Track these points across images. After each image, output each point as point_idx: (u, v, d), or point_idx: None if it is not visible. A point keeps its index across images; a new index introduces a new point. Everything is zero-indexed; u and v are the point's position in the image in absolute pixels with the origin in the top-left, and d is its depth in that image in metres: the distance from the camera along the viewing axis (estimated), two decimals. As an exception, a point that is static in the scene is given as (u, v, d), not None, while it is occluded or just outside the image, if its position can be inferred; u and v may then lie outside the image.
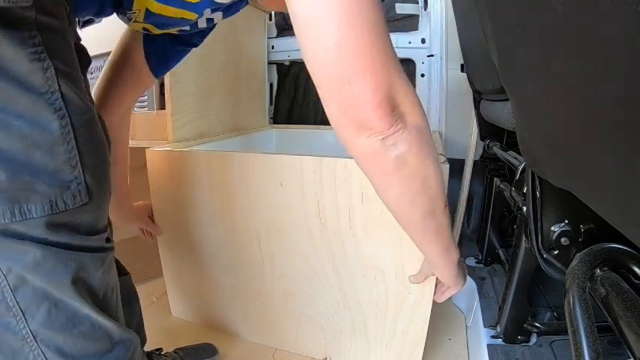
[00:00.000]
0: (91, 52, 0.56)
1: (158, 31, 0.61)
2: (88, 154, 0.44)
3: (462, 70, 1.12)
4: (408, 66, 1.51)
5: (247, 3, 0.59)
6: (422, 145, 0.45)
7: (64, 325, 0.46)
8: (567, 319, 0.38)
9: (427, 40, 1.43)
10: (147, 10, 0.53)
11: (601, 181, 0.33)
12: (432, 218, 0.51)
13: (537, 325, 0.78)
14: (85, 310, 0.47)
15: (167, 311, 1.16)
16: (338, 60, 0.39)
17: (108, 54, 0.76)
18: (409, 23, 1.48)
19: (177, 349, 0.94)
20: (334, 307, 0.90)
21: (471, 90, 1.06)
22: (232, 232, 0.93)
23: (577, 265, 0.42)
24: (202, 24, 0.60)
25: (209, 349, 0.98)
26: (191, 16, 0.54)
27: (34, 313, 0.45)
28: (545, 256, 0.52)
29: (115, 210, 0.86)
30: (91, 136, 0.45)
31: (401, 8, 1.45)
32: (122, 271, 0.74)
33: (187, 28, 0.60)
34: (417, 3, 1.44)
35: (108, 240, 0.52)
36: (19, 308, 0.44)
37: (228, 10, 0.59)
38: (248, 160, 0.85)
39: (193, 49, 0.76)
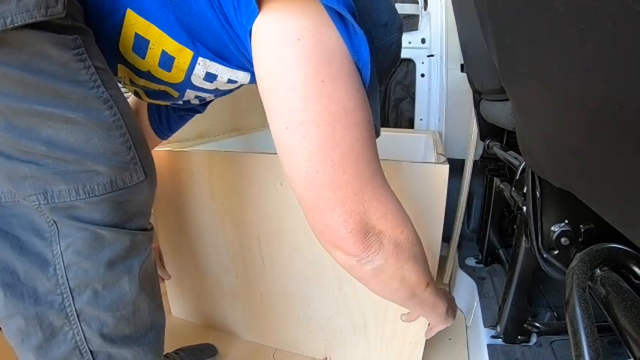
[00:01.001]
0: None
1: (149, 100, 0.63)
2: (137, 138, 0.48)
3: (462, 70, 1.12)
4: (408, 66, 1.51)
5: (239, 87, 0.58)
6: (399, 256, 0.45)
7: (109, 306, 0.49)
8: (567, 319, 0.38)
9: (427, 40, 1.43)
10: (131, 80, 0.56)
11: (601, 181, 0.33)
12: (414, 297, 0.52)
13: (537, 325, 0.78)
14: (132, 291, 0.50)
15: (167, 311, 1.16)
16: (309, 190, 0.40)
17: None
18: (409, 23, 1.48)
19: (177, 349, 0.94)
20: (334, 307, 0.90)
21: (470, 90, 1.06)
22: (232, 232, 0.93)
23: (577, 265, 0.42)
24: (195, 101, 0.62)
25: (209, 350, 0.98)
26: (174, 93, 0.57)
27: (82, 292, 0.47)
28: (545, 256, 0.52)
29: None
30: (134, 122, 0.49)
31: (401, 8, 1.45)
32: None
33: (180, 102, 0.61)
34: (417, 3, 1.44)
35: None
36: (68, 286, 0.46)
37: (219, 93, 0.59)
38: (248, 160, 0.85)
39: (196, 115, 0.79)
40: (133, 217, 0.50)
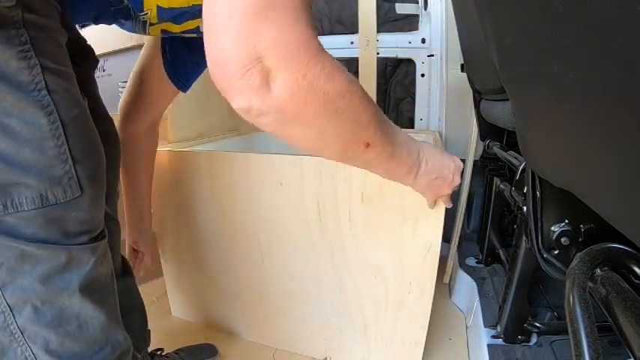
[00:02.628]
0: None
1: (178, 28, 0.60)
2: (79, 148, 0.45)
3: (462, 70, 1.12)
4: (407, 66, 1.51)
5: None
6: (298, 105, 0.35)
7: (50, 322, 0.47)
8: (567, 319, 0.38)
9: (427, 40, 1.43)
10: (158, 7, 0.53)
11: (601, 181, 0.33)
12: (354, 159, 0.44)
13: (537, 324, 0.78)
14: (72, 306, 0.47)
15: (167, 311, 1.16)
16: (207, 10, 0.33)
17: (107, 54, 0.77)
18: (409, 23, 1.48)
19: (177, 349, 0.94)
20: (334, 307, 0.90)
21: (471, 90, 1.06)
22: (232, 232, 0.93)
23: (577, 265, 0.42)
24: None
25: (209, 350, 0.98)
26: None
27: (21, 310, 0.45)
28: (545, 256, 0.52)
29: (135, 214, 0.86)
30: (82, 130, 0.46)
31: (401, 8, 1.45)
32: (127, 271, 0.74)
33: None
34: (417, 3, 1.44)
35: (102, 233, 0.52)
36: (7, 304, 0.44)
37: None
38: (248, 160, 0.85)
39: None
40: (69, 233, 0.46)
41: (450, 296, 1.22)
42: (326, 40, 1.52)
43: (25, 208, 0.42)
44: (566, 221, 0.50)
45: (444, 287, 1.28)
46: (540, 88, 0.36)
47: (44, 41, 0.41)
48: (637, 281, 0.40)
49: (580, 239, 0.50)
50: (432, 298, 0.79)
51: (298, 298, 0.93)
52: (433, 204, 0.68)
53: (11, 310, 0.45)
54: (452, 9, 1.04)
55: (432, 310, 0.81)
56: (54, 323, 0.47)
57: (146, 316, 0.80)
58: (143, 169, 0.84)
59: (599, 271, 0.42)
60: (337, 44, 1.51)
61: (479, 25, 0.51)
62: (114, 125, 0.67)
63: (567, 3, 0.24)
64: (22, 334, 0.46)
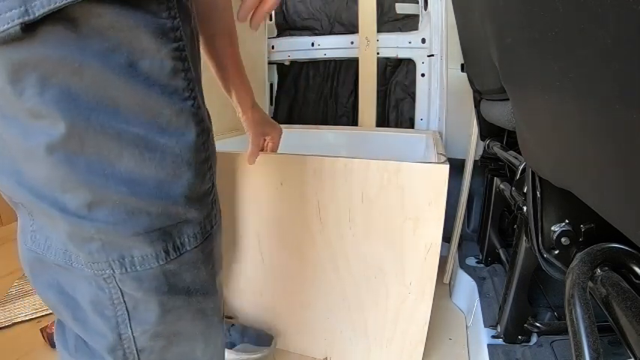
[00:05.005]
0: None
1: None
2: (215, 161, 0.38)
3: (462, 70, 1.12)
4: (407, 66, 1.51)
5: None
6: None
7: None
8: (568, 319, 0.38)
9: (427, 40, 1.43)
10: None
11: (601, 180, 0.33)
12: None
13: (538, 324, 0.78)
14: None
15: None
16: None
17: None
18: (409, 23, 1.48)
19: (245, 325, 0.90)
20: (334, 307, 0.90)
21: (471, 90, 1.06)
22: (232, 232, 0.93)
23: (577, 265, 0.42)
24: None
25: (267, 338, 0.94)
26: None
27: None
28: (545, 255, 0.52)
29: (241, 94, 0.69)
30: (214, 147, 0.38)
31: (401, 8, 1.45)
32: None
33: None
34: (417, 3, 1.44)
35: None
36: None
37: None
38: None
39: None
40: (217, 271, 0.40)
41: (450, 296, 1.22)
42: (326, 40, 1.52)
43: (187, 249, 0.34)
44: (567, 221, 0.50)
45: (444, 287, 1.28)
46: (540, 87, 0.36)
47: (193, 41, 0.34)
48: (637, 281, 0.40)
49: (580, 239, 0.50)
50: (432, 298, 0.79)
51: (298, 298, 0.93)
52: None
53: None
54: (452, 9, 1.04)
55: (432, 310, 0.81)
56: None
57: None
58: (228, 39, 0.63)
59: (599, 271, 0.42)
60: (337, 44, 1.51)
61: (479, 25, 0.51)
62: None
63: (567, 3, 0.24)
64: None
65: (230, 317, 0.90)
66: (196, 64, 0.35)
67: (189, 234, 0.34)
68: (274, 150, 0.85)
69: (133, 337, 0.34)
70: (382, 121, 1.57)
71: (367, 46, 1.44)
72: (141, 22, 0.27)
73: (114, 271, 0.31)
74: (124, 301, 0.33)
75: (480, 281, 1.09)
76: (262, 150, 0.84)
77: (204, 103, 0.36)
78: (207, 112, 0.37)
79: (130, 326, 0.34)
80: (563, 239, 0.50)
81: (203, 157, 0.34)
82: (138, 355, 0.36)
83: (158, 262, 0.32)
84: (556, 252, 0.51)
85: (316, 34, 1.56)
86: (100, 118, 0.27)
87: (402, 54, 1.47)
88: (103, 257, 0.31)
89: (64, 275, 0.33)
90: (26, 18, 0.24)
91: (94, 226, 0.29)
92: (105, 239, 0.30)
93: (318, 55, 1.54)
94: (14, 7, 0.24)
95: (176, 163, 0.31)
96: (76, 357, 0.37)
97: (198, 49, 0.37)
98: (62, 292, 0.34)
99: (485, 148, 1.12)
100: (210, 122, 0.38)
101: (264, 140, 0.83)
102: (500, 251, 1.10)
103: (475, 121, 1.13)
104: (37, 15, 0.24)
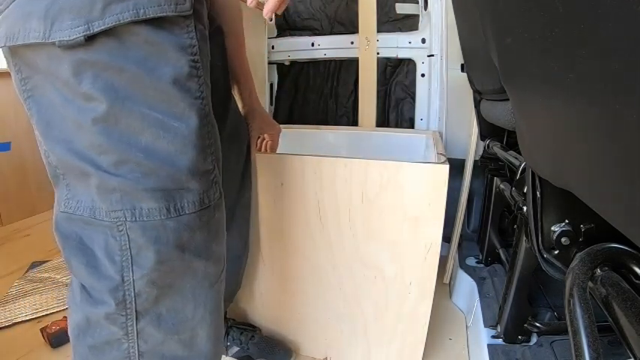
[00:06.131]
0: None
1: None
2: (219, 149, 0.47)
3: (462, 70, 1.12)
4: (408, 66, 1.51)
5: None
6: None
7: (170, 329, 0.47)
8: (568, 319, 0.38)
9: (427, 40, 1.43)
10: None
11: (601, 180, 0.33)
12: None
13: (538, 324, 0.78)
14: (194, 318, 0.49)
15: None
16: None
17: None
18: (409, 23, 1.48)
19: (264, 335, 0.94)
20: (334, 307, 0.90)
21: (471, 90, 1.06)
22: (232, 232, 0.93)
23: (577, 265, 0.42)
24: None
25: (286, 352, 0.95)
26: None
27: (146, 314, 0.46)
28: (545, 255, 0.52)
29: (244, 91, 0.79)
30: (218, 140, 0.48)
31: (401, 8, 1.45)
32: None
33: None
34: (417, 3, 1.44)
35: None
36: (135, 310, 0.45)
37: None
38: (248, 160, 0.85)
39: None
40: (213, 241, 0.48)
41: (450, 296, 1.22)
42: (326, 40, 1.52)
43: (186, 212, 0.43)
44: (567, 221, 0.50)
45: (444, 287, 1.28)
46: (540, 88, 0.36)
47: (205, 54, 0.44)
48: (637, 281, 0.40)
49: (580, 239, 0.50)
50: (432, 298, 0.79)
51: (298, 299, 0.93)
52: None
53: (136, 315, 0.45)
54: (452, 9, 1.04)
55: (432, 310, 0.81)
56: (172, 330, 0.47)
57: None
58: (233, 38, 0.74)
59: (599, 271, 0.42)
60: (337, 44, 1.51)
61: (479, 25, 0.51)
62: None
63: (567, 3, 0.24)
64: (136, 334, 0.46)
65: (253, 327, 0.91)
66: (207, 74, 0.45)
67: (188, 200, 0.43)
68: (274, 148, 0.87)
69: (133, 280, 0.43)
70: (382, 121, 1.57)
71: (367, 46, 1.44)
72: (167, 39, 0.39)
73: (126, 218, 0.41)
74: (130, 248, 0.42)
75: (479, 281, 1.09)
76: (260, 149, 0.86)
77: (211, 104, 0.45)
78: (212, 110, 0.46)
79: (132, 270, 0.43)
80: (563, 239, 0.50)
81: (206, 143, 0.44)
82: (135, 298, 0.44)
83: (160, 217, 0.41)
84: (556, 252, 0.51)
85: (316, 34, 1.56)
86: (131, 104, 0.38)
87: (402, 54, 1.47)
88: (119, 206, 0.40)
89: (86, 229, 0.43)
90: (88, 32, 0.36)
91: (118, 180, 0.40)
92: (123, 191, 0.40)
93: (318, 55, 1.54)
94: (81, 25, 0.36)
95: (184, 142, 0.41)
96: (81, 307, 0.46)
97: (208, 60, 0.47)
98: (81, 243, 0.44)
99: (485, 148, 1.12)
100: (216, 122, 0.47)
101: (263, 138, 0.86)
102: (500, 251, 1.10)
103: (475, 121, 1.13)
104: (95, 31, 0.36)
